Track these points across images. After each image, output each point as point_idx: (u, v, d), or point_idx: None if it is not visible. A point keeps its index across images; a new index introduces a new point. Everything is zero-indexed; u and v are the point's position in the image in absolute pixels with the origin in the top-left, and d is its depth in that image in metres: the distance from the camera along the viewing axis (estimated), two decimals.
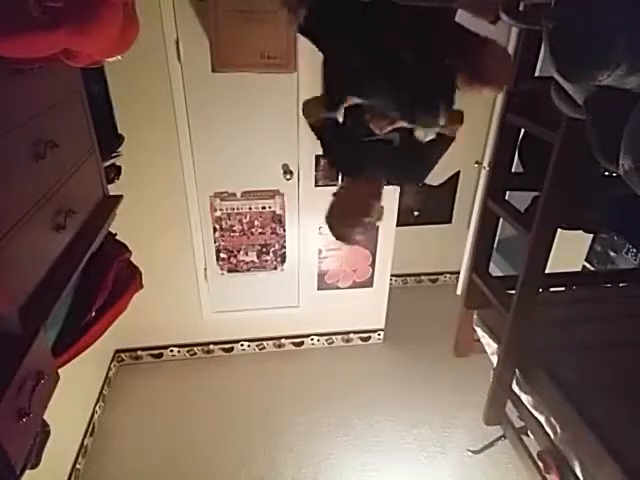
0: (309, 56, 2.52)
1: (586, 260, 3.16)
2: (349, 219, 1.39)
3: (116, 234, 1.93)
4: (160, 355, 3.36)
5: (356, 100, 1.28)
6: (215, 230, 3.03)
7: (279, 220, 3.06)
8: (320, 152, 3.07)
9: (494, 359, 2.05)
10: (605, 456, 1.46)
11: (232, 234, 3.06)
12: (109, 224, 1.80)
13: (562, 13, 0.85)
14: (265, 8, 2.16)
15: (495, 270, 3.20)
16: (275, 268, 3.21)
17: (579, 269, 3.17)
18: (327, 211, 1.43)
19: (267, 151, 2.84)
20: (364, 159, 1.41)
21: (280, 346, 3.48)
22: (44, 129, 1.39)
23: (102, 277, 1.67)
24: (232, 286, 3.22)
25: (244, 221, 3.03)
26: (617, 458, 1.43)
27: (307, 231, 3.10)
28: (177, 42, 2.48)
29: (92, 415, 2.79)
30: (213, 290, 3.20)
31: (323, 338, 3.51)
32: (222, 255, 3.12)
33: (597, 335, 1.94)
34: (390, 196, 3.07)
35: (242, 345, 3.43)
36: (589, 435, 1.52)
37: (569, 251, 2.91)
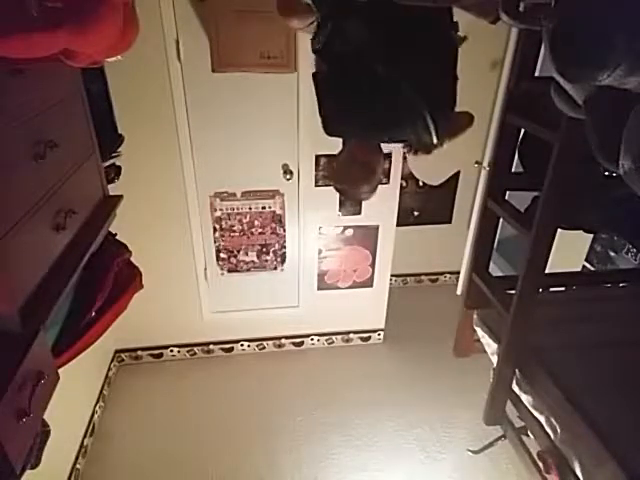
0: (309, 56, 2.52)
1: (586, 260, 3.16)
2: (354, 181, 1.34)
3: (116, 234, 1.94)
4: (160, 355, 3.36)
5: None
6: (215, 230, 3.03)
7: (279, 220, 3.06)
8: (320, 152, 3.09)
9: (494, 359, 2.05)
10: (605, 456, 1.46)
11: (232, 234, 3.06)
12: (109, 224, 1.80)
13: (562, 13, 0.85)
14: (265, 8, 2.15)
15: (495, 270, 3.20)
16: (275, 268, 3.21)
17: (579, 269, 3.16)
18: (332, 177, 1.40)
19: (267, 151, 2.84)
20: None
21: (280, 346, 3.48)
22: (44, 129, 1.39)
23: (102, 277, 1.67)
24: (232, 286, 3.22)
25: (244, 221, 3.03)
26: (617, 458, 1.43)
27: (307, 231, 3.11)
28: (177, 42, 2.48)
29: (92, 415, 2.79)
30: (213, 290, 3.20)
31: (323, 338, 3.51)
32: (222, 255, 3.12)
33: (597, 335, 1.94)
34: (390, 196, 3.07)
35: (242, 345, 3.43)
36: (589, 435, 1.52)
37: (569, 251, 2.91)
